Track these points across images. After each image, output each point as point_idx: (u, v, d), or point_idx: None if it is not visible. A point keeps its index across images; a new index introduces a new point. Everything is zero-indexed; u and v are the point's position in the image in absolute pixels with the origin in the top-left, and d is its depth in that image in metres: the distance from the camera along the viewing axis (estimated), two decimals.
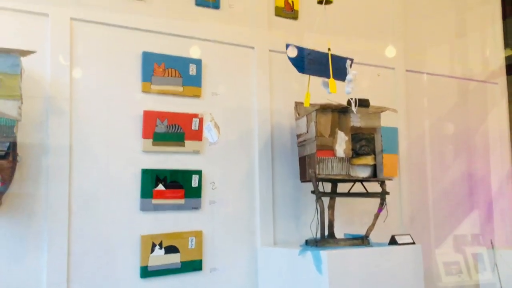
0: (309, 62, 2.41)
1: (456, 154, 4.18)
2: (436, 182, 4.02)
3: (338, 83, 2.59)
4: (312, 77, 2.61)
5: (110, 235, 2.68)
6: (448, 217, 4.08)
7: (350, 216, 3.41)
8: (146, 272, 2.72)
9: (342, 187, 3.09)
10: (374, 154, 2.92)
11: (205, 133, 2.64)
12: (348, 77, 2.28)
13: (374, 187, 3.06)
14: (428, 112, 3.99)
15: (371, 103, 2.91)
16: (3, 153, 2.26)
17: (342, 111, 2.88)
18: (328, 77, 2.26)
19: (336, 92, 2.23)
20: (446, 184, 4.11)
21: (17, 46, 2.37)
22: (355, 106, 2.54)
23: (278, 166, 3.24)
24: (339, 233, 3.07)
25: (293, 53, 2.34)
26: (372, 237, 2.95)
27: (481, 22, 4.43)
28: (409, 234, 2.94)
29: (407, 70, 3.82)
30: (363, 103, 2.83)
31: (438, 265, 4.02)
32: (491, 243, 3.77)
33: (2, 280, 2.40)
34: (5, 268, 2.42)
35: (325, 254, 2.59)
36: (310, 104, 2.89)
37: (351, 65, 2.45)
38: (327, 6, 2.69)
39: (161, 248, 2.77)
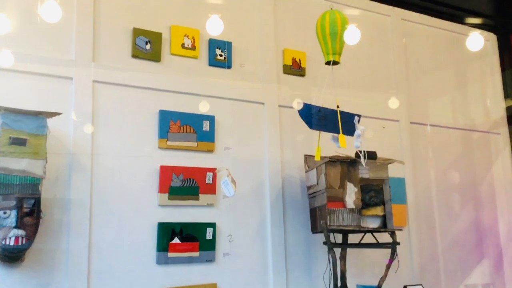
0: (319, 118, 2.55)
1: (463, 204, 4.24)
2: (445, 232, 4.06)
3: (346, 137, 2.72)
4: (321, 134, 2.73)
5: None
6: (458, 266, 4.09)
7: (361, 267, 3.44)
8: None
9: (352, 238, 3.16)
10: (383, 204, 3.00)
11: (222, 188, 2.74)
12: (357, 132, 2.40)
13: (384, 237, 3.12)
14: (433, 162, 4.09)
15: (378, 154, 3.03)
16: (28, 210, 2.36)
17: (350, 163, 2.98)
18: (338, 132, 2.39)
19: (346, 147, 2.35)
20: (454, 233, 4.14)
21: (43, 108, 2.53)
22: (364, 158, 2.65)
23: (289, 218, 3.31)
24: (350, 284, 3.10)
25: (303, 111, 2.47)
26: None
27: (481, 74, 4.61)
28: (421, 284, 2.98)
29: (411, 122, 3.95)
30: (371, 156, 2.94)
31: None
32: None
33: None
34: None
35: None
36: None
37: (359, 121, 2.58)
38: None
39: None
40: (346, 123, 2.41)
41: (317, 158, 2.58)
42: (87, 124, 2.80)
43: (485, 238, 4.34)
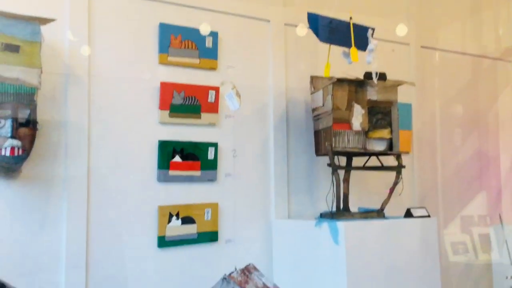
0: (330, 31, 2.40)
1: (467, 133, 4.18)
2: (447, 161, 4.03)
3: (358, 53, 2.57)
4: (330, 49, 2.59)
5: (128, 205, 2.70)
6: (458, 195, 4.09)
7: (363, 192, 3.40)
8: (164, 242, 2.74)
9: (357, 162, 3.10)
10: (391, 127, 2.92)
11: (227, 101, 2.64)
12: (370, 46, 2.27)
13: (388, 162, 3.07)
14: (440, 89, 3.98)
15: None
16: (24, 120, 2.26)
17: (359, 84, 2.87)
18: (349, 46, 2.25)
19: (358, 61, 2.22)
20: (456, 162, 4.11)
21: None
22: (376, 76, 2.53)
23: (292, 140, 3.24)
24: (352, 207, 3.07)
25: (313, 22, 2.32)
26: (386, 212, 2.96)
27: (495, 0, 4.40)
28: (425, 208, 2.96)
29: (421, 46, 3.80)
30: (381, 76, 2.82)
31: (446, 243, 4.05)
32: (500, 218, 3.78)
33: (21, 249, 2.42)
34: (24, 236, 2.43)
35: (342, 225, 2.60)
36: (327, 78, 2.89)
37: (372, 35, 2.44)
38: None
39: (178, 218, 2.79)
40: (358, 37, 2.27)
41: (326, 75, 2.47)
42: (83, 38, 2.64)
43: (486, 170, 4.32)
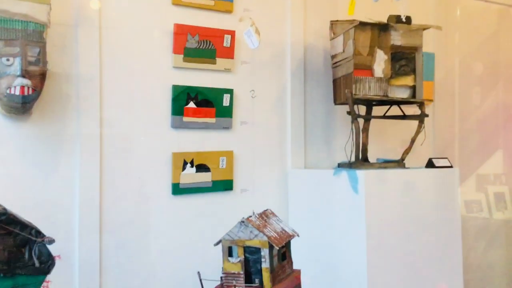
0: None
1: (488, 86, 4.04)
2: (466, 114, 3.91)
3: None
4: None
5: (142, 151, 2.63)
6: (476, 150, 4.00)
7: (380, 144, 3.30)
8: (178, 189, 2.68)
9: (377, 111, 2.99)
10: (414, 74, 2.79)
11: (245, 39, 2.52)
12: None
13: (409, 113, 2.96)
14: (463, 39, 3.82)
15: None
16: (33, 59, 2.17)
17: (382, 28, 2.73)
18: None
19: None
20: (477, 115, 4.00)
21: None
22: (404, 16, 2.40)
23: (310, 88, 3.13)
24: (371, 158, 2.98)
25: None
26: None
27: None
28: (447, 158, 2.86)
29: None
30: (406, 20, 2.68)
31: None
32: None
33: (35, 192, 2.37)
34: (37, 179, 2.37)
35: (362, 173, 2.52)
36: (348, 21, 2.76)
37: None
38: None
39: (192, 166, 2.72)
40: None
41: (350, 13, 2.33)
42: None
43: (506, 125, 4.20)
